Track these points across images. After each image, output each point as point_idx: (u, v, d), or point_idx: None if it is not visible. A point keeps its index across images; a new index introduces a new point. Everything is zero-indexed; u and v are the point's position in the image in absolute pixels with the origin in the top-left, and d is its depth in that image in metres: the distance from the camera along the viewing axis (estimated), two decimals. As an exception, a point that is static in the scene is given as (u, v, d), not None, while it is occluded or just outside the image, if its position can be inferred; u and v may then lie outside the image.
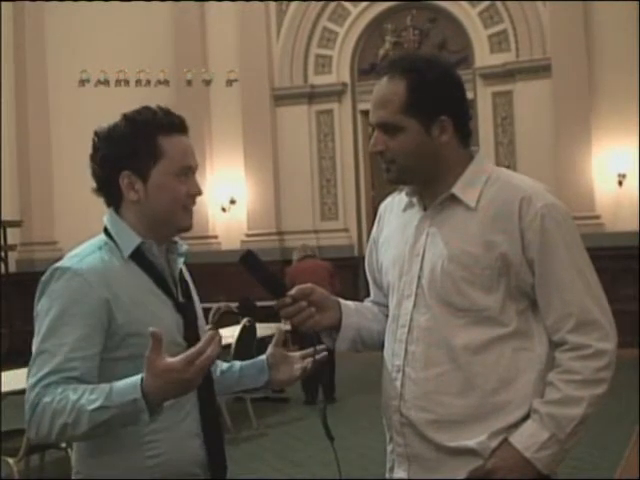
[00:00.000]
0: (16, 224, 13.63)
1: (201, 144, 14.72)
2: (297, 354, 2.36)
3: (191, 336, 2.19)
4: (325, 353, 2.29)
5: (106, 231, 2.21)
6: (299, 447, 7.30)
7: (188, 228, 2.24)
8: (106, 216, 2.23)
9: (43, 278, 2.12)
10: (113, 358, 2.09)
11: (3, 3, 13.95)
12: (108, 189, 2.21)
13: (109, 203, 2.24)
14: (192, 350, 1.93)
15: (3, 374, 6.23)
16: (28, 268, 12.76)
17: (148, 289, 2.16)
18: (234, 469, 7.07)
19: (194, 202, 2.23)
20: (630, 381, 8.47)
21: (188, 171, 2.21)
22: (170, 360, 1.93)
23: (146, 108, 2.21)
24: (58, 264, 2.13)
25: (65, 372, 2.01)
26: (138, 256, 2.17)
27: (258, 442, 7.74)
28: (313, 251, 10.04)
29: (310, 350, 2.29)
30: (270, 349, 2.38)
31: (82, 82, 13.45)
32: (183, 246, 2.30)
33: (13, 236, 13.45)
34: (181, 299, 2.24)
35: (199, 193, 2.22)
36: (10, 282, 12.21)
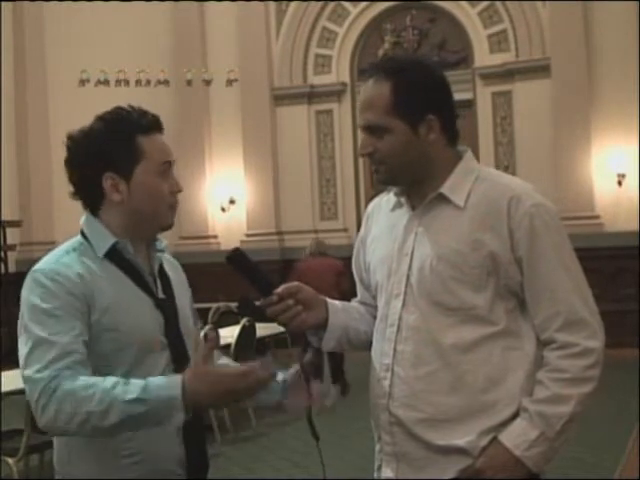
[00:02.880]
0: (16, 224, 13.63)
1: (201, 144, 14.74)
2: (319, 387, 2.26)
3: (172, 333, 2.21)
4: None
5: (82, 233, 2.23)
6: (299, 447, 7.29)
7: (171, 226, 2.26)
8: (83, 218, 2.25)
9: (24, 284, 2.15)
10: (88, 353, 2.10)
11: (3, 3, 13.94)
12: (88, 192, 2.22)
13: (87, 205, 2.25)
14: (248, 365, 1.99)
15: (3, 374, 6.23)
16: (28, 268, 12.71)
17: (125, 287, 2.17)
18: (234, 469, 7.04)
19: (176, 200, 2.26)
20: (630, 381, 8.47)
21: (168, 168, 2.23)
22: (222, 368, 2.01)
23: (120, 108, 2.23)
24: (34, 267, 2.16)
25: (72, 355, 2.03)
26: (114, 255, 2.19)
27: (258, 442, 7.74)
28: (325, 248, 9.98)
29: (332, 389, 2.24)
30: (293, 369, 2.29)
31: (82, 82, 13.45)
32: (163, 242, 2.31)
33: (13, 236, 13.45)
34: (161, 296, 2.24)
35: (180, 190, 2.25)
36: (10, 282, 12.18)
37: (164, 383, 1.98)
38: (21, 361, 2.07)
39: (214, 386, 1.97)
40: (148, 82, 13.65)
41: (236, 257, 2.22)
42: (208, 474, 2.30)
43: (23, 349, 2.07)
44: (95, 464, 2.12)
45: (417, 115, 2.19)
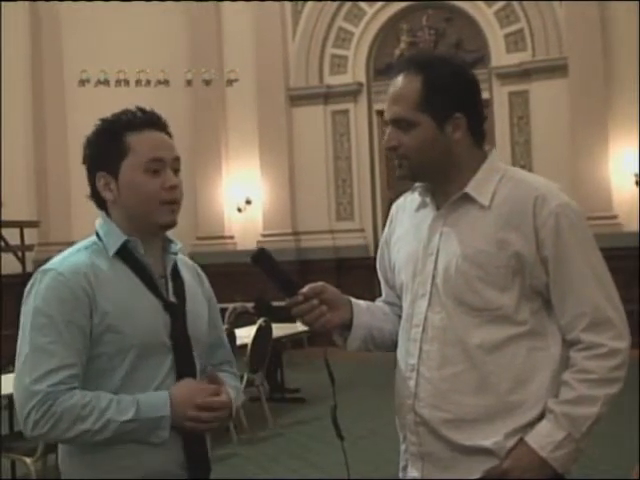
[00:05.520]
0: (33, 224, 13.69)
1: (217, 145, 14.77)
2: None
3: (178, 336, 2.20)
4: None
5: (97, 232, 2.24)
6: (315, 447, 7.30)
7: (170, 224, 2.21)
8: (98, 218, 2.26)
9: (30, 281, 2.17)
10: (90, 355, 2.12)
11: (20, 3, 14.00)
12: (93, 193, 2.24)
13: (98, 206, 2.26)
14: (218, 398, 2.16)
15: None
16: (44, 268, 12.72)
17: (134, 288, 2.17)
18: (250, 469, 7.02)
19: (174, 196, 2.19)
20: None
21: (160, 164, 2.18)
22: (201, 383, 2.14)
23: (122, 110, 2.23)
24: (42, 267, 2.17)
25: (68, 368, 2.06)
26: (125, 254, 2.18)
27: (274, 442, 7.74)
28: None
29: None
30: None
31: (99, 82, 13.49)
32: (177, 245, 2.30)
33: (30, 236, 13.50)
34: (172, 298, 2.23)
35: (174, 186, 2.18)
36: (27, 282, 12.20)
37: (154, 404, 2.08)
38: (17, 363, 2.10)
39: (193, 397, 2.11)
40: (161, 82, 13.66)
41: (261, 257, 2.21)
42: (212, 474, 2.31)
43: (22, 350, 2.09)
44: (97, 465, 2.14)
45: (445, 112, 2.19)
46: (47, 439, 2.12)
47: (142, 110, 2.23)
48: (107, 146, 2.18)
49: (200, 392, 2.14)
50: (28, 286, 2.16)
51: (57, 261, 2.17)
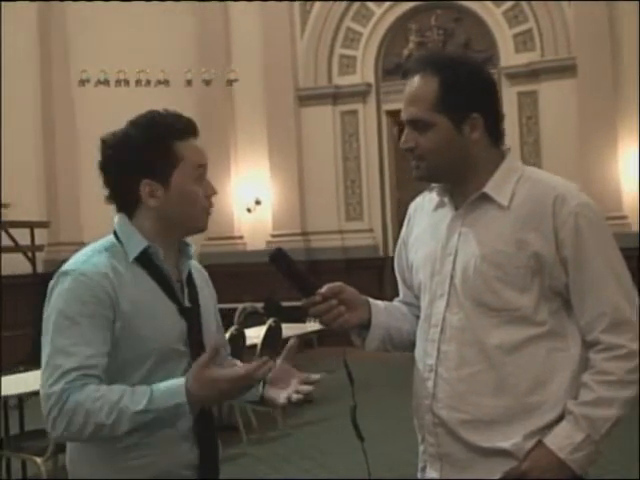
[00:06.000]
0: (43, 225, 13.72)
1: (226, 145, 14.77)
2: (301, 376, 2.28)
3: (194, 342, 2.21)
4: (301, 396, 2.24)
5: (115, 234, 2.23)
6: (325, 447, 7.30)
7: (205, 229, 2.28)
8: (116, 219, 2.25)
9: (51, 282, 2.16)
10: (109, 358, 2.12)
11: (28, 3, 14.04)
12: (124, 196, 2.22)
13: (122, 209, 2.24)
14: (241, 373, 2.01)
15: (28, 374, 6.27)
16: (55, 268, 12.70)
17: (152, 293, 2.17)
18: (260, 469, 6.99)
19: (212, 203, 2.27)
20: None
21: (203, 172, 2.24)
22: (221, 371, 2.02)
23: (153, 113, 2.22)
24: (63, 267, 2.16)
25: (85, 369, 2.04)
26: (144, 260, 2.18)
27: (284, 442, 7.74)
28: None
29: (312, 376, 2.27)
30: (279, 362, 2.32)
31: (106, 82, 13.50)
32: (193, 248, 2.32)
33: (40, 237, 13.54)
34: (187, 304, 2.24)
35: (215, 193, 2.26)
36: (38, 282, 12.28)
37: (169, 391, 2.01)
38: (42, 366, 2.10)
39: (215, 389, 2.01)
40: (166, 81, 13.67)
41: (278, 257, 2.21)
42: (222, 474, 2.31)
43: (44, 353, 2.09)
44: (104, 465, 2.14)
45: (462, 113, 2.18)
46: (68, 438, 2.08)
47: (178, 116, 2.22)
48: (157, 155, 2.16)
49: (216, 371, 2.04)
50: (50, 287, 2.15)
51: (78, 262, 2.16)
